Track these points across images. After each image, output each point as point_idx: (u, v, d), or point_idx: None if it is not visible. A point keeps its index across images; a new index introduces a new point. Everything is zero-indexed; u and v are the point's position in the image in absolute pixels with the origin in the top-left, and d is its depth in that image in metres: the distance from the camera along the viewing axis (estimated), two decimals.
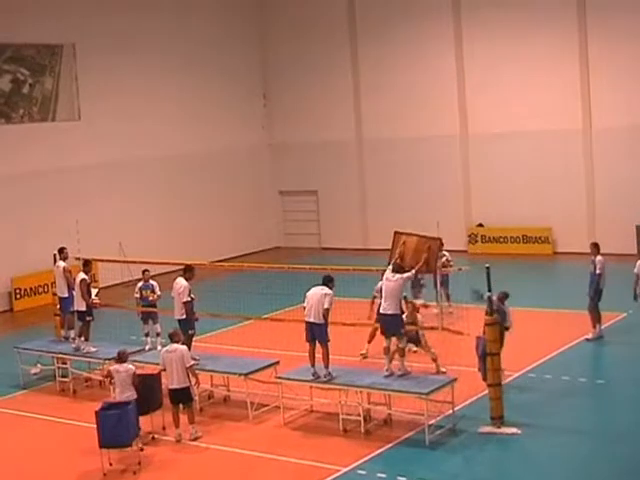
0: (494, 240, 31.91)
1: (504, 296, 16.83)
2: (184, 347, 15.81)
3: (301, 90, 35.47)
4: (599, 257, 19.96)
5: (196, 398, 16.41)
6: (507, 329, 16.55)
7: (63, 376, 19.11)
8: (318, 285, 15.97)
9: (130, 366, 15.52)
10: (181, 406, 15.69)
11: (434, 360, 17.47)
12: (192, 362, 15.72)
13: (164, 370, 15.64)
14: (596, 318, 20.00)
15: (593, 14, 29.42)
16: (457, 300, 22.69)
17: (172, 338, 15.81)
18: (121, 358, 15.60)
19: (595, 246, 20.20)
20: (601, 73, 29.51)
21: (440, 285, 22.64)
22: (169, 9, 32.80)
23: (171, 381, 15.55)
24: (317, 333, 15.73)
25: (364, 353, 19.22)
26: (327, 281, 16.06)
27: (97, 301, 19.49)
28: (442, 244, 17.30)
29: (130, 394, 15.20)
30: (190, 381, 15.64)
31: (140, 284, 20.89)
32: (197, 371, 15.98)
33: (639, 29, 28.74)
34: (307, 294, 15.97)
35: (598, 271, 19.82)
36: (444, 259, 22.93)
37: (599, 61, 29.51)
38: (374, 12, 33.68)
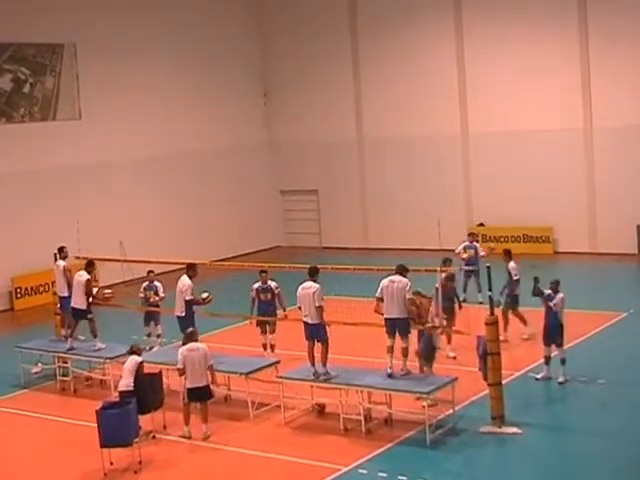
0: (495, 239, 31.86)
1: (555, 285, 17.43)
2: (205, 345, 15.68)
3: (302, 89, 35.45)
4: (512, 263, 19.79)
5: None
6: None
7: (64, 375, 19.10)
8: (306, 281, 15.87)
9: (136, 357, 15.51)
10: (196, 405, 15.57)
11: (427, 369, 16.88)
12: (212, 361, 15.56)
13: (182, 369, 15.39)
14: (506, 320, 19.55)
15: (594, 12, 29.40)
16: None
17: (192, 337, 15.69)
18: (132, 350, 15.72)
19: (507, 253, 20.06)
20: (602, 72, 29.48)
21: (468, 277, 22.99)
22: (170, 8, 32.75)
23: (193, 380, 15.36)
24: (314, 332, 15.75)
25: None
26: (314, 273, 15.97)
27: (109, 294, 19.59)
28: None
29: (125, 383, 15.20)
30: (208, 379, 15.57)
31: (145, 284, 20.81)
32: None
33: None
34: (298, 294, 15.89)
35: (515, 277, 19.66)
36: (474, 251, 22.95)
37: (600, 60, 29.47)
38: (375, 10, 33.65)
